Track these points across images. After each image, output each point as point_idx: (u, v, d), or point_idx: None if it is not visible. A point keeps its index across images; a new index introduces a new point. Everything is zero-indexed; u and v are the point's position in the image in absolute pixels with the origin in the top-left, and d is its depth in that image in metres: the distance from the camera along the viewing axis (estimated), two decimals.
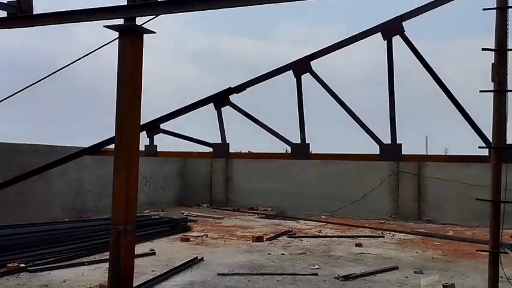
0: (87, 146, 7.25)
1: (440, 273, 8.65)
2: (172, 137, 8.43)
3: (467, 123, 7.43)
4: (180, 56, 40.44)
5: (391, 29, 6.76)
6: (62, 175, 15.20)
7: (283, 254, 10.50)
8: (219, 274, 8.43)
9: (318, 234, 13.47)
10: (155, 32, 5.35)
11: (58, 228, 11.76)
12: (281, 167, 18.70)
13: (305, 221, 15.97)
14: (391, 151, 7.51)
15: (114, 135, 7.18)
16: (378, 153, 7.52)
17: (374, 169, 17.22)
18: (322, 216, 17.15)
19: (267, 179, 19.35)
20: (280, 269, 8.97)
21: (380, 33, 6.87)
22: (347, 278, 8.24)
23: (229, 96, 9.55)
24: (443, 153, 18.29)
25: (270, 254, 10.50)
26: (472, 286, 7.91)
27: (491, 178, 7.20)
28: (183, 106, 8.03)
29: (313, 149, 8.13)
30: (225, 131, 9.64)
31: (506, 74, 6.82)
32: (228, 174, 20.61)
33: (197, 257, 9.59)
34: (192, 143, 9.26)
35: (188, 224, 14.50)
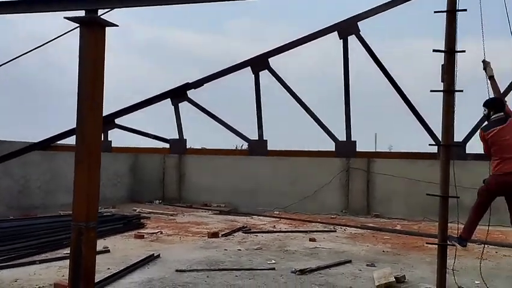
0: (30, 140, 7.00)
1: (391, 266, 9.02)
2: (128, 132, 8.30)
3: (415, 121, 7.80)
4: (129, 50, 39.59)
5: (347, 28, 6.97)
6: (6, 171, 14.59)
7: (240, 250, 10.58)
8: (177, 270, 8.40)
9: (272, 229, 13.66)
10: (117, 25, 5.25)
11: (4, 226, 11.30)
12: (234, 163, 18.78)
13: (259, 217, 16.14)
14: (346, 148, 7.78)
15: (66, 129, 7.01)
16: (334, 149, 7.79)
17: (326, 165, 17.62)
18: (275, 212, 17.38)
19: (220, 175, 19.39)
20: (237, 264, 9.05)
21: (336, 32, 7.08)
22: (303, 272, 8.43)
23: (187, 92, 9.52)
24: (388, 150, 18.92)
25: (226, 249, 10.56)
26: (421, 277, 8.30)
27: (440, 174, 7.59)
28: (139, 101, 7.94)
29: (270, 146, 8.30)
30: (182, 126, 9.59)
31: (455, 75, 7.19)
32: (181, 171, 20.48)
33: (153, 254, 9.51)
34: (148, 138, 9.17)
35: (142, 221, 14.31)
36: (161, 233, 12.65)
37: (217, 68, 7.61)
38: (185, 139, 9.80)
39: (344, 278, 8.23)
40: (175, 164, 20.47)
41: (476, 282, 7.82)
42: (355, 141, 7.91)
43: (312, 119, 8.34)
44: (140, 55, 40.88)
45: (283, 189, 18.35)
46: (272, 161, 17.60)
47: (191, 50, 41.43)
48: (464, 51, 6.60)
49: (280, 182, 18.54)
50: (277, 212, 17.38)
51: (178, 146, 9.34)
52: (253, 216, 16.30)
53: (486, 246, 9.63)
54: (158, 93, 9.29)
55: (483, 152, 7.00)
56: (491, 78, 6.51)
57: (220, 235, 12.25)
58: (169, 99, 9.50)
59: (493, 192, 6.57)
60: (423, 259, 9.85)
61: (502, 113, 6.40)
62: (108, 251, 9.94)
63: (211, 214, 17.02)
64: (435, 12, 6.75)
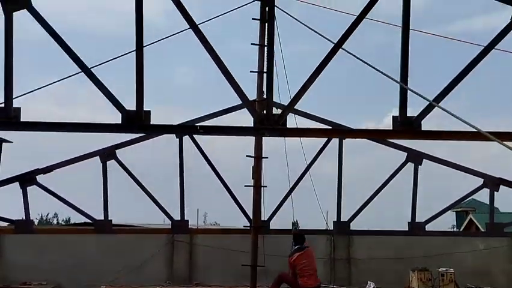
0: None
1: None
2: None
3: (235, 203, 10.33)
4: None
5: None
6: None
7: None
8: None
9: None
10: None
11: None
12: (56, 240, 18.88)
13: None
14: (180, 226, 9.85)
15: None
16: (170, 227, 9.84)
17: (151, 238, 19.01)
18: (102, 287, 17.89)
19: (42, 252, 19.15)
20: None
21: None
22: None
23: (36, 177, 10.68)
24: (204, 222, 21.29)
25: None
26: None
27: (251, 248, 10.16)
28: None
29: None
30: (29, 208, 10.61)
31: (261, 175, 9.87)
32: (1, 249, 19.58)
33: None
34: None
35: None
36: None
37: None
38: (32, 220, 10.89)
39: None
40: None
41: None
42: (187, 220, 10.15)
43: (151, 201, 10.27)
44: None
45: (109, 263, 19.00)
46: (97, 236, 18.32)
47: None
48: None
49: (105, 256, 19.18)
50: (104, 287, 17.91)
51: (25, 226, 10.29)
52: None
53: None
54: (6, 178, 10.32)
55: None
56: None
57: None
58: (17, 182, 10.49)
59: None
60: None
61: (302, 244, 9.30)
62: None
63: None
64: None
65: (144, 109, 6.19)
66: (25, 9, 6.26)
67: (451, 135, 5.92)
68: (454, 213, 31.25)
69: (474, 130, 4.48)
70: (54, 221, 62.37)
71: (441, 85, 6.06)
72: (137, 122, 6.13)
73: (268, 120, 6.13)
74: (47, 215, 60.93)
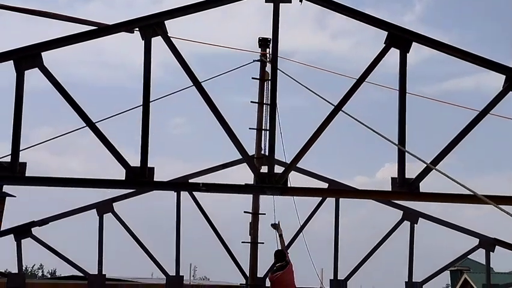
0: None
1: None
2: None
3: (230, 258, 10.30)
4: None
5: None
6: None
7: None
8: None
9: None
10: None
11: None
12: None
13: None
14: (176, 283, 9.78)
15: None
16: (164, 282, 9.77)
17: None
18: None
19: None
20: None
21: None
22: None
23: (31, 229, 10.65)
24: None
25: None
26: None
27: None
28: None
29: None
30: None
31: (257, 231, 9.91)
32: None
33: None
34: None
35: None
36: None
37: None
38: (24, 273, 10.75)
39: None
40: None
41: None
42: (182, 276, 10.07)
43: (145, 254, 10.21)
44: None
45: None
46: None
47: None
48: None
49: None
50: None
51: (15, 280, 10.18)
52: None
53: None
54: (2, 229, 10.24)
55: None
56: (280, 236, 9.25)
57: None
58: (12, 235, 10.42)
59: None
60: None
61: (284, 262, 9.05)
62: None
63: None
64: None
65: (148, 165, 6.31)
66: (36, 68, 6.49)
67: (448, 198, 6.07)
68: (448, 271, 30.92)
69: (471, 193, 4.63)
70: (40, 273, 60.59)
71: (437, 144, 6.29)
72: (141, 179, 6.22)
73: (269, 178, 6.25)
74: (33, 266, 59.28)
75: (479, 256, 16.02)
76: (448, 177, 4.99)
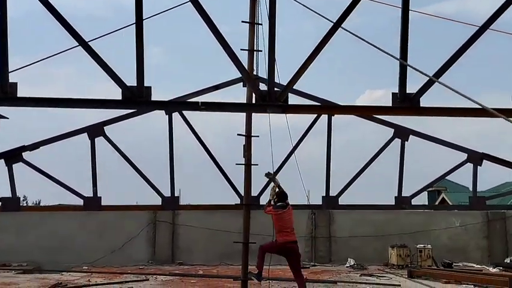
0: None
1: None
2: None
3: (221, 179, 10.41)
4: None
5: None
6: None
7: None
8: None
9: (88, 283, 14.33)
10: None
11: None
12: (38, 220, 18.69)
13: (69, 273, 16.40)
14: (171, 203, 9.89)
15: None
16: (160, 203, 9.89)
17: (133, 218, 18.98)
18: (84, 267, 17.79)
19: (22, 233, 18.90)
20: None
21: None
22: None
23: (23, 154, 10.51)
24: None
25: None
26: None
27: (243, 226, 10.24)
28: None
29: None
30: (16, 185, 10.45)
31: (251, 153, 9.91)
32: None
33: None
34: None
35: None
36: None
37: None
38: (19, 197, 10.68)
39: None
40: None
41: None
42: (178, 197, 10.16)
43: (141, 178, 10.23)
44: None
45: (90, 244, 18.92)
46: (78, 215, 18.20)
47: None
48: None
49: (86, 237, 19.08)
50: (86, 267, 17.83)
51: (10, 204, 10.14)
52: (63, 273, 16.48)
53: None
54: None
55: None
56: (278, 186, 9.31)
57: None
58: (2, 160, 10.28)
59: (278, 251, 9.16)
60: None
61: (284, 203, 9.15)
62: None
63: (15, 274, 16.54)
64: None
65: (145, 85, 6.13)
66: None
67: (453, 112, 6.06)
68: (426, 192, 32.16)
69: (478, 106, 4.57)
70: (24, 204, 60.96)
71: (438, 64, 6.17)
72: (138, 98, 6.07)
73: (270, 97, 6.16)
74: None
75: (456, 177, 16.69)
76: (452, 89, 4.92)
